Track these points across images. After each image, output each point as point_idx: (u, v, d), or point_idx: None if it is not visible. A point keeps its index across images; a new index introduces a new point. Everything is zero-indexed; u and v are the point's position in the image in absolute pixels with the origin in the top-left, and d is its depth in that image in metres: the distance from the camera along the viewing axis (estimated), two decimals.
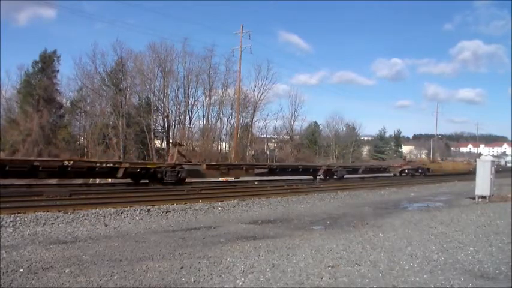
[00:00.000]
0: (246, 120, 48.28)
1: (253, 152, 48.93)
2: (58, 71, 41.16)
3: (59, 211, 8.89)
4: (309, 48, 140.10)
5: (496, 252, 6.40)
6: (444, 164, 46.37)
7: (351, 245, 6.63)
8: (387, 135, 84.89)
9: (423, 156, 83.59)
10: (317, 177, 25.01)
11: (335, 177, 25.25)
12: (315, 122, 65.73)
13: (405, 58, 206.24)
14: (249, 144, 47.49)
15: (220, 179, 21.65)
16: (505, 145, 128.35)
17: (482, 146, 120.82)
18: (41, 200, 10.54)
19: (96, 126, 40.03)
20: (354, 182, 24.65)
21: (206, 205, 11.35)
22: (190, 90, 44.16)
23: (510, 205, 12.49)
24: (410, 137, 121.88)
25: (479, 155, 69.66)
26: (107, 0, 75.74)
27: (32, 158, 17.27)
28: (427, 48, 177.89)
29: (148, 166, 16.96)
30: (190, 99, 44.40)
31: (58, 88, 41.55)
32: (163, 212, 9.94)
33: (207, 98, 45.30)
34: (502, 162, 76.97)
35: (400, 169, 35.06)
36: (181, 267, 5.08)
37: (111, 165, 15.83)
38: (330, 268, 5.18)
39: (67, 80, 42.54)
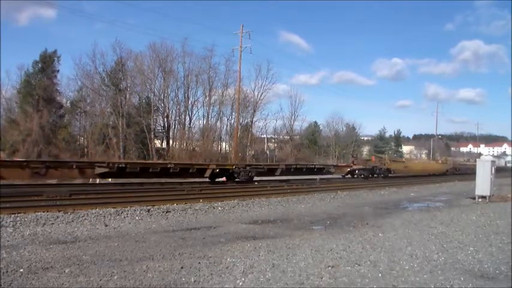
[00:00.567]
0: (246, 120, 48.35)
1: (253, 152, 48.94)
2: (58, 71, 41.32)
3: (59, 211, 8.89)
4: (309, 48, 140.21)
5: (496, 252, 6.40)
6: (411, 163, 39.29)
7: (351, 245, 6.63)
8: (387, 135, 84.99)
9: (423, 156, 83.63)
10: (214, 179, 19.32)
11: (238, 179, 19.43)
12: (315, 122, 65.81)
13: (405, 58, 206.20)
14: (249, 144, 47.51)
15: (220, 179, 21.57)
16: (505, 145, 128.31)
17: (482, 146, 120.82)
18: (41, 200, 10.54)
19: (96, 126, 40.05)
20: (353, 181, 24.40)
21: (206, 205, 11.35)
22: (190, 90, 44.23)
23: (510, 205, 12.49)
24: (411, 137, 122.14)
25: (479, 155, 69.64)
26: (107, 0, 75.76)
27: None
28: (427, 48, 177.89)
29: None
30: (190, 99, 44.46)
31: (58, 88, 41.69)
32: (163, 212, 9.94)
33: (207, 98, 45.36)
34: (502, 162, 76.84)
35: (348, 170, 28.26)
36: (182, 267, 5.09)
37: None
38: (330, 268, 5.18)
39: (67, 80, 42.68)
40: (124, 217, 9.10)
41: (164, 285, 4.44)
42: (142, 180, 16.74)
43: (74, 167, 14.74)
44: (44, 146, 35.27)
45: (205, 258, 5.64)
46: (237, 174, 19.18)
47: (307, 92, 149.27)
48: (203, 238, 7.39)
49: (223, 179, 19.42)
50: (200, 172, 18.26)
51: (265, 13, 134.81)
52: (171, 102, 43.63)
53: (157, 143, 43.88)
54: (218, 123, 46.88)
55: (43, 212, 8.71)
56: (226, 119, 47.43)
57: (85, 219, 8.54)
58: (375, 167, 29.30)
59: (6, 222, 7.73)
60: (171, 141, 43.26)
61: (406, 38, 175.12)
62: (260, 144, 52.68)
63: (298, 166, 25.78)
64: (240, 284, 4.53)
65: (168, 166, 17.37)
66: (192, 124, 45.19)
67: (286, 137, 55.30)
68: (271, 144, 56.30)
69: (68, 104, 43.13)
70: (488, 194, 14.65)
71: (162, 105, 43.22)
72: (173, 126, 43.77)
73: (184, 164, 20.31)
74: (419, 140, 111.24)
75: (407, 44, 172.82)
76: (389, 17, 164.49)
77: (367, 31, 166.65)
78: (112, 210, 9.50)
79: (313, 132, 63.32)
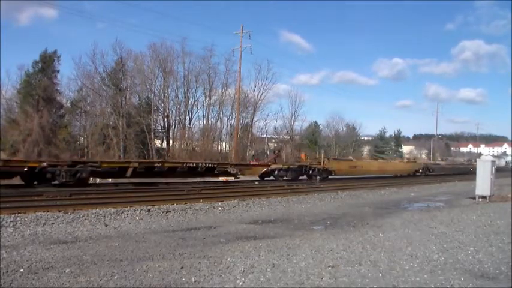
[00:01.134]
0: (246, 120, 48.39)
1: (253, 152, 48.94)
2: (58, 71, 41.31)
3: (59, 211, 8.89)
4: (310, 48, 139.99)
5: (496, 252, 6.40)
6: (364, 163, 31.47)
7: (351, 245, 6.63)
8: (387, 135, 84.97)
9: (423, 156, 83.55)
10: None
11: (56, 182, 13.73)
12: (315, 122, 65.78)
13: (406, 58, 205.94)
14: (249, 144, 47.50)
15: (221, 178, 21.41)
16: (505, 145, 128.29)
17: (482, 146, 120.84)
18: (41, 200, 10.54)
19: (96, 126, 40.09)
20: (354, 181, 23.81)
21: (206, 205, 11.35)
22: (190, 90, 44.28)
23: (510, 205, 12.48)
24: (411, 137, 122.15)
25: (480, 155, 69.54)
26: (107, 0, 75.71)
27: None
28: (428, 48, 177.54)
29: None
30: (190, 99, 44.52)
31: (58, 88, 41.69)
32: (163, 212, 9.94)
33: (207, 98, 45.41)
34: (502, 162, 76.76)
35: (264, 170, 21.97)
36: (182, 267, 5.09)
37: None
38: (330, 268, 5.18)
39: (67, 80, 42.71)
40: (124, 217, 9.10)
41: (164, 285, 4.43)
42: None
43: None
44: (44, 146, 35.26)
45: (206, 258, 5.64)
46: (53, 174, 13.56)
47: (308, 92, 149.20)
48: (203, 238, 7.39)
49: None
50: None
51: (265, 13, 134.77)
52: (171, 102, 43.78)
53: (158, 143, 43.91)
54: (218, 123, 47.01)
55: (43, 212, 8.71)
56: (226, 119, 47.57)
57: (85, 219, 8.54)
58: (304, 167, 23.42)
59: (6, 222, 7.73)
60: (171, 141, 43.29)
61: (406, 38, 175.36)
62: (260, 144, 52.68)
63: (167, 165, 18.12)
64: (240, 284, 4.53)
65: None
66: (192, 124, 45.32)
67: (286, 137, 55.32)
68: (271, 144, 56.30)
69: (68, 104, 43.15)
70: (489, 194, 14.66)
71: (162, 105, 43.32)
72: (173, 126, 43.89)
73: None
74: (419, 140, 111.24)
75: (408, 44, 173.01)
76: (390, 17, 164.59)
77: (368, 31, 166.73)
78: (112, 210, 9.49)
79: (313, 132, 63.31)
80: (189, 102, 44.26)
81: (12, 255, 5.61)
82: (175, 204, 11.01)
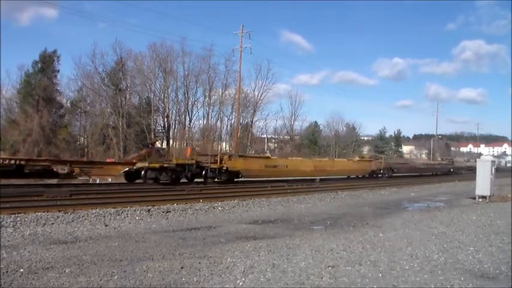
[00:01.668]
0: (246, 120, 48.42)
1: (253, 152, 48.94)
2: (58, 71, 41.33)
3: (59, 211, 8.90)
4: (311, 48, 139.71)
5: (496, 252, 6.40)
6: (287, 161, 23.51)
7: (351, 245, 6.63)
8: (387, 135, 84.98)
9: (423, 156, 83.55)
10: None
11: None
12: (315, 122, 65.74)
13: (407, 58, 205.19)
14: (249, 144, 47.50)
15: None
16: (505, 145, 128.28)
17: (482, 146, 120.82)
18: (41, 200, 10.54)
19: (96, 126, 40.09)
20: (354, 181, 24.11)
21: (206, 205, 11.35)
22: (190, 90, 44.29)
23: (510, 205, 12.48)
24: (411, 137, 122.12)
25: (480, 155, 69.55)
26: (107, 0, 75.64)
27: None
28: (428, 48, 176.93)
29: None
30: (190, 99, 44.52)
31: (58, 88, 41.72)
32: (163, 212, 9.94)
33: (207, 98, 45.41)
34: (502, 163, 76.73)
35: (127, 169, 16.65)
36: (182, 267, 5.08)
37: None
38: (330, 268, 5.18)
39: (67, 80, 42.74)
40: (124, 217, 9.10)
41: (164, 285, 4.43)
42: None
43: None
44: (44, 146, 35.27)
45: (206, 258, 5.64)
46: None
47: (308, 92, 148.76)
48: (203, 238, 7.39)
49: None
50: None
51: (266, 13, 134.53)
52: (171, 102, 43.78)
53: (158, 143, 43.89)
54: (218, 123, 47.00)
55: (43, 212, 8.72)
56: (226, 119, 47.60)
57: (85, 219, 8.54)
58: (186, 166, 17.19)
59: (6, 222, 7.74)
60: (171, 141, 43.29)
61: (407, 37, 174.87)
62: (260, 144, 52.69)
63: None
64: (240, 284, 4.52)
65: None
66: (192, 124, 45.32)
67: (286, 137, 55.34)
68: (271, 144, 56.31)
69: (68, 104, 43.16)
70: (489, 194, 14.66)
71: (162, 105, 43.32)
72: (173, 126, 43.89)
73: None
74: (419, 140, 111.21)
75: (408, 44, 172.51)
76: (390, 17, 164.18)
77: (369, 31, 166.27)
78: (112, 210, 9.50)
79: (313, 132, 63.27)
80: (189, 102, 44.34)
81: (12, 255, 5.61)
82: (175, 204, 11.02)
